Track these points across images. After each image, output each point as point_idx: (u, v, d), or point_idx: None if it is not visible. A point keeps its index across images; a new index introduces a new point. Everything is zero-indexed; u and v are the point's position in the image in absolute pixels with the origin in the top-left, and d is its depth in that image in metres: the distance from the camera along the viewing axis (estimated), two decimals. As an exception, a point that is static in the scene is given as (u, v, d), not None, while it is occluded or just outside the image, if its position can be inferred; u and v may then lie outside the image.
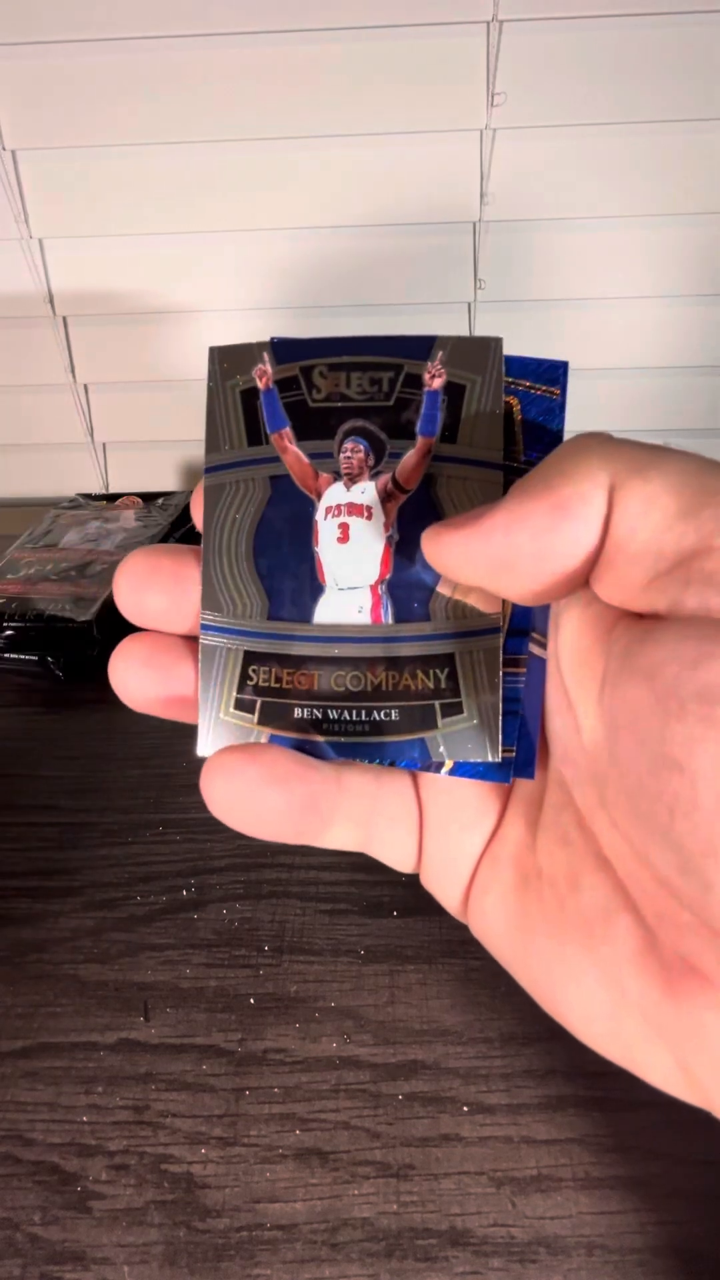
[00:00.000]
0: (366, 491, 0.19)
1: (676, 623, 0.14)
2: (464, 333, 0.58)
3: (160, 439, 0.64)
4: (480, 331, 0.58)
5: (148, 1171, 0.25)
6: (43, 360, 0.60)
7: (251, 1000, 0.29)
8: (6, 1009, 0.29)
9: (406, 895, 0.32)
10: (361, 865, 0.33)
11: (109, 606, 0.46)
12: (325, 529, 0.19)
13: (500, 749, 0.18)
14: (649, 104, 0.49)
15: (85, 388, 0.62)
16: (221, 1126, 0.25)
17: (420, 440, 0.19)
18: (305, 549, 0.19)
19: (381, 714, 0.19)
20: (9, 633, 0.45)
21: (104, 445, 0.65)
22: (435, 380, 0.19)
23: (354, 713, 0.19)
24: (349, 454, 0.19)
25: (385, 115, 0.50)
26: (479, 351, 0.19)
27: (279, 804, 0.18)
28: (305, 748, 0.19)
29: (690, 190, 0.52)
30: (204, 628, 0.19)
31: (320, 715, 0.19)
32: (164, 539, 0.54)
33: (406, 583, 0.19)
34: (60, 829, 0.36)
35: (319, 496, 0.19)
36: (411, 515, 0.19)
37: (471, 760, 0.18)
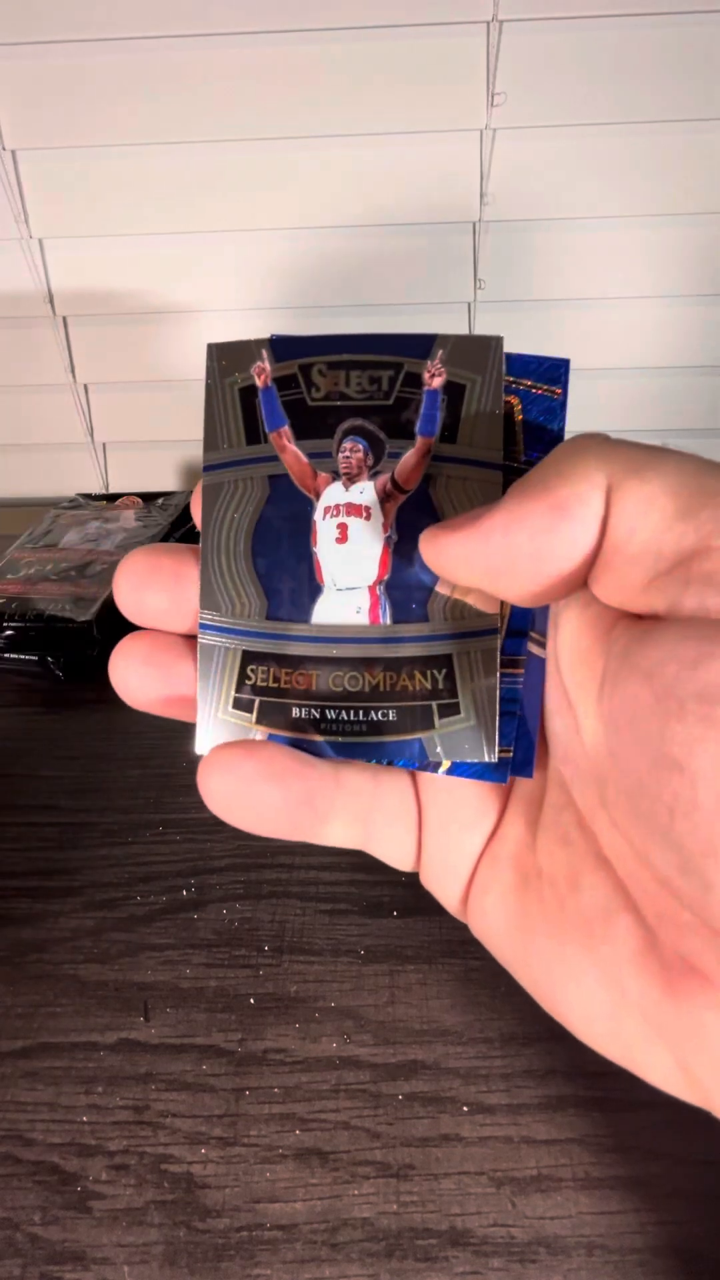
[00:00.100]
0: (365, 491, 0.19)
1: (675, 623, 0.14)
2: (464, 332, 0.58)
3: (160, 439, 0.64)
4: (480, 331, 0.58)
5: (148, 1171, 0.24)
6: (43, 360, 0.60)
7: (251, 1000, 0.29)
8: (6, 1009, 0.29)
9: (406, 895, 0.32)
10: (361, 865, 0.33)
11: (109, 606, 0.46)
12: (324, 529, 0.19)
13: (497, 749, 0.18)
14: (649, 104, 0.49)
15: (85, 388, 0.62)
16: (221, 1126, 0.25)
17: (419, 440, 0.19)
18: (304, 549, 0.19)
19: (379, 714, 0.19)
20: (9, 633, 0.45)
21: (104, 445, 0.65)
22: (435, 379, 0.19)
23: (351, 713, 0.19)
24: (348, 453, 0.19)
25: (385, 115, 0.50)
26: (479, 350, 0.19)
27: (275, 799, 0.18)
28: (304, 746, 0.19)
29: (690, 190, 0.52)
30: (202, 627, 0.19)
31: (318, 715, 0.19)
32: (164, 539, 0.54)
33: (405, 583, 0.19)
34: (60, 829, 0.36)
35: (317, 496, 0.19)
36: (410, 516, 0.19)
37: (468, 760, 0.18)
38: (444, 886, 0.20)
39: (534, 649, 0.19)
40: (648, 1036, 0.16)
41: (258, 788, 0.18)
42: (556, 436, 0.19)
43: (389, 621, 0.19)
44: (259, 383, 0.20)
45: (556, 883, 0.17)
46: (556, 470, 0.16)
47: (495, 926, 0.18)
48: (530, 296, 0.57)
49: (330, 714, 0.19)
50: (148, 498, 0.59)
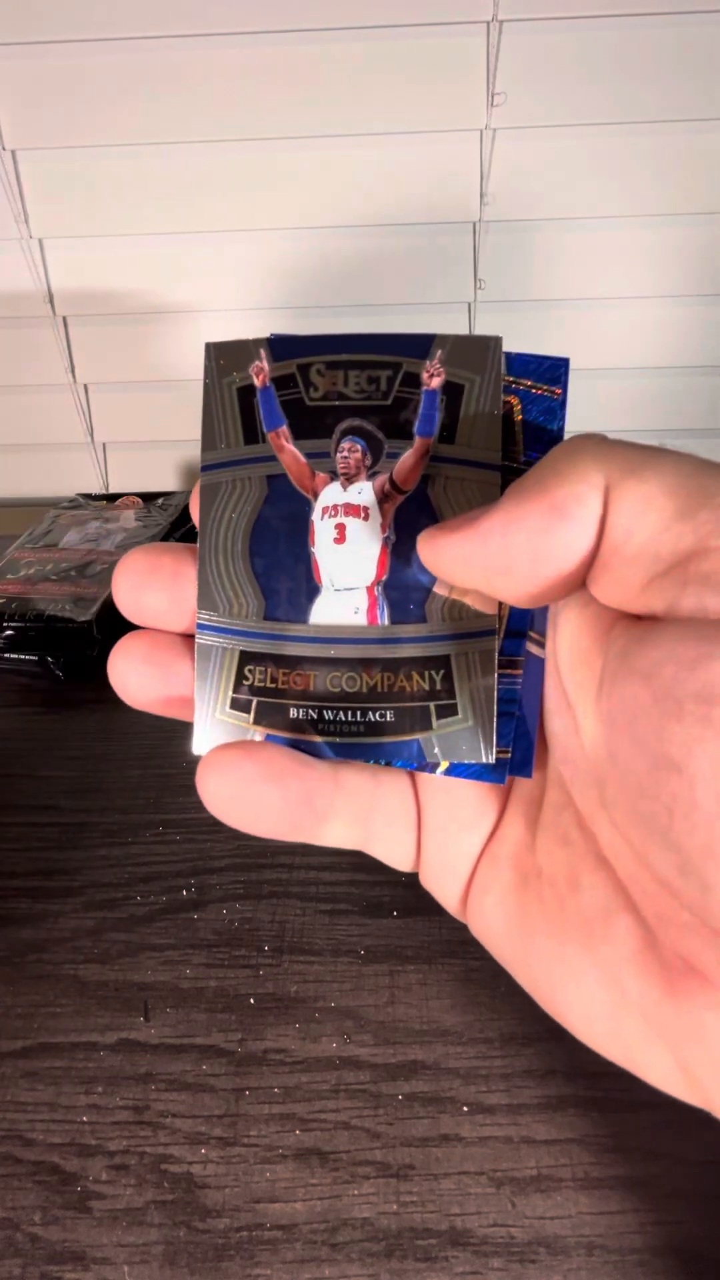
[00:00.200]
0: (364, 492, 0.19)
1: (674, 623, 0.14)
2: (464, 332, 0.58)
3: (160, 439, 0.64)
4: (480, 331, 0.58)
5: (148, 1171, 0.25)
6: (43, 360, 0.60)
7: (251, 1000, 0.29)
8: (6, 1009, 0.29)
9: (406, 895, 0.32)
10: (361, 865, 0.33)
11: (109, 606, 0.46)
12: (322, 529, 0.19)
13: (494, 750, 0.18)
14: (649, 104, 0.49)
15: (85, 388, 0.62)
16: (221, 1126, 0.25)
17: (418, 440, 0.19)
18: (301, 549, 0.19)
19: (377, 715, 0.19)
20: (9, 633, 0.45)
21: (104, 445, 0.65)
22: (434, 379, 0.19)
23: (349, 713, 0.19)
24: (346, 454, 0.19)
25: (385, 115, 0.50)
26: (478, 350, 0.19)
27: (274, 800, 0.18)
28: (302, 746, 0.19)
29: (690, 190, 0.52)
30: (200, 627, 0.19)
31: (316, 716, 0.19)
32: (164, 539, 0.54)
33: (403, 584, 0.19)
34: (60, 829, 0.36)
35: (315, 496, 0.19)
36: (409, 516, 0.19)
37: (466, 761, 0.18)
38: (443, 887, 0.20)
39: (533, 649, 0.19)
40: (647, 1036, 0.16)
41: (257, 788, 0.18)
42: (556, 436, 0.19)
43: (387, 622, 0.19)
44: (257, 382, 0.20)
45: (556, 883, 0.17)
46: (554, 471, 0.16)
47: (495, 927, 0.18)
48: (530, 296, 0.57)
49: (328, 714, 0.19)
50: (148, 498, 0.59)
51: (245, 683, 0.19)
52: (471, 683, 0.18)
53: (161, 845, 0.35)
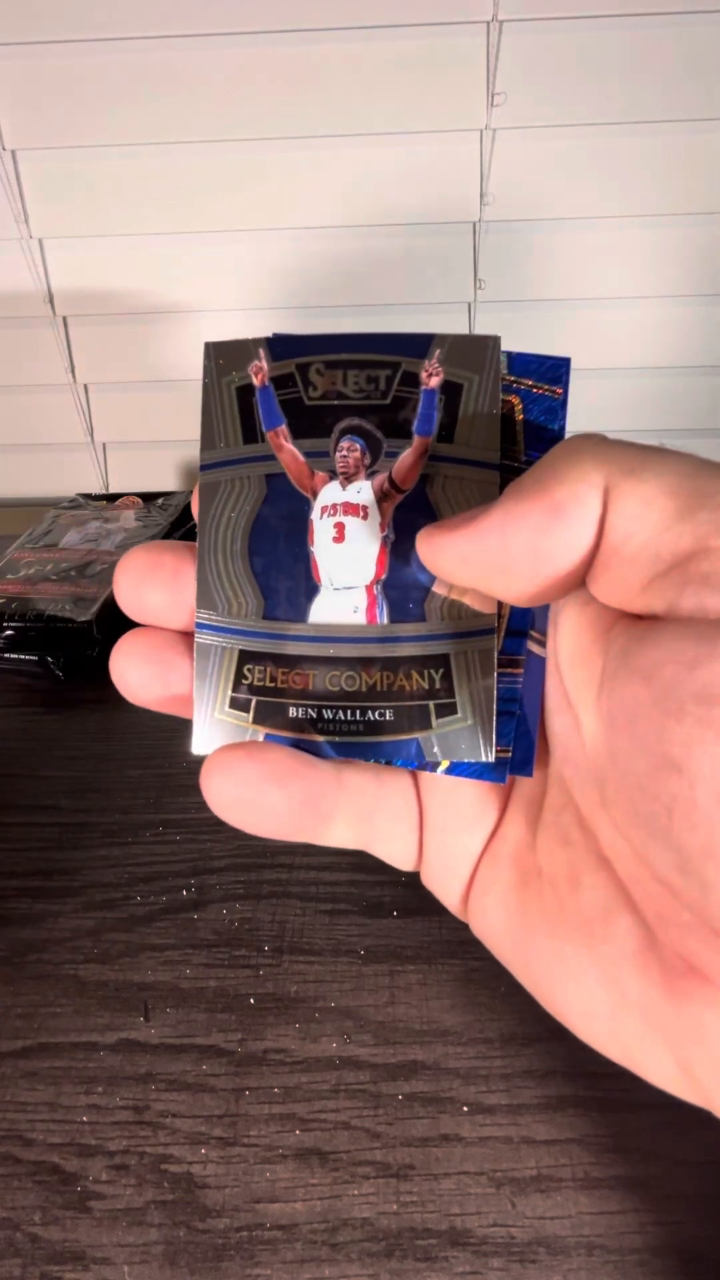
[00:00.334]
0: (363, 491, 0.19)
1: (674, 623, 0.14)
2: (463, 332, 0.58)
3: (160, 439, 0.64)
4: (481, 331, 0.58)
5: (148, 1171, 0.25)
6: (43, 360, 0.60)
7: (251, 1000, 0.29)
8: (6, 1009, 0.29)
9: (406, 895, 0.32)
10: (361, 865, 0.33)
11: (109, 606, 0.46)
12: (321, 528, 0.19)
13: (494, 749, 0.18)
14: (649, 104, 0.49)
15: (85, 388, 0.62)
16: (221, 1126, 0.25)
17: (417, 439, 0.19)
18: (300, 548, 0.19)
19: (376, 714, 0.19)
20: (9, 633, 0.45)
21: (104, 445, 0.65)
22: (432, 379, 0.19)
23: (349, 712, 0.19)
24: (345, 453, 0.19)
25: (385, 115, 0.50)
26: (477, 350, 0.19)
27: (279, 802, 0.18)
28: (304, 746, 0.19)
29: (691, 190, 0.52)
30: (199, 626, 0.19)
31: (315, 715, 0.19)
32: (164, 539, 0.54)
33: (402, 583, 0.19)
34: (60, 829, 0.36)
35: (314, 495, 0.19)
36: (408, 515, 0.19)
37: (465, 760, 0.18)
38: (445, 886, 0.20)
39: (534, 648, 0.19)
40: (648, 1036, 0.16)
41: (261, 790, 0.18)
42: (557, 436, 0.19)
43: (386, 621, 0.19)
44: (256, 382, 0.20)
45: (557, 882, 0.17)
46: (553, 471, 0.16)
47: (496, 926, 0.18)
48: (530, 296, 0.57)
49: (327, 714, 0.19)
50: (148, 498, 0.59)
51: (244, 682, 0.19)
52: (471, 682, 0.18)
53: (161, 845, 0.35)
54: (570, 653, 0.18)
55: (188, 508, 0.52)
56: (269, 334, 0.20)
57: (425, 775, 0.20)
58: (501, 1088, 0.26)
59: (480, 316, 0.58)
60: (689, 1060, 0.15)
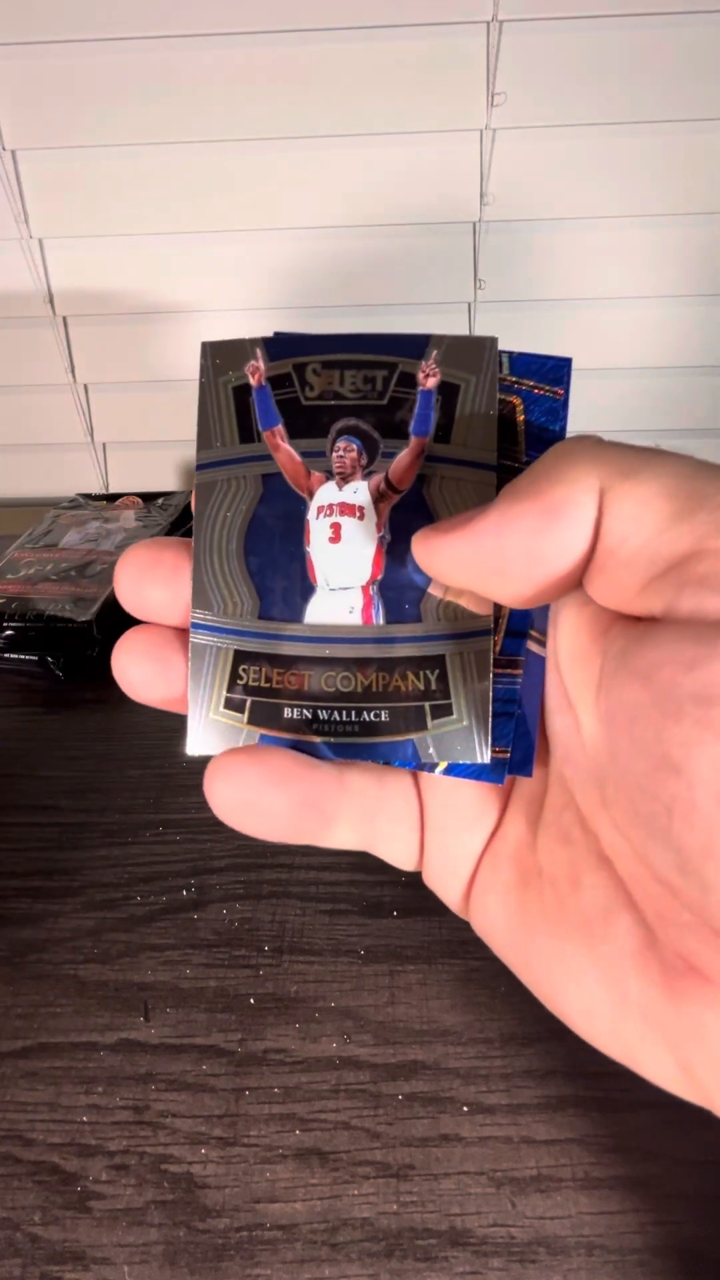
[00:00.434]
0: (359, 491, 0.19)
1: (672, 625, 0.14)
2: (463, 333, 0.58)
3: (160, 439, 0.64)
4: (480, 332, 0.58)
5: (148, 1171, 0.25)
6: (43, 360, 0.60)
7: (251, 1000, 0.29)
8: (6, 1009, 0.29)
9: (406, 895, 0.32)
10: (361, 865, 0.33)
11: (109, 606, 0.46)
12: (317, 529, 0.19)
13: (490, 751, 0.18)
14: (649, 104, 0.49)
15: (85, 388, 0.62)
16: (221, 1126, 0.25)
17: (413, 440, 0.19)
18: (297, 548, 0.19)
19: (371, 715, 0.19)
20: (9, 633, 0.45)
21: (104, 445, 0.65)
22: (429, 379, 0.19)
23: (344, 713, 0.19)
24: (341, 453, 0.19)
25: (385, 115, 0.50)
26: (474, 351, 0.19)
27: (281, 805, 0.18)
28: (303, 747, 0.19)
29: (691, 190, 0.52)
30: (194, 626, 0.19)
31: (310, 715, 0.19)
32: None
33: (398, 584, 0.19)
34: (60, 829, 0.36)
35: (311, 496, 0.19)
36: (404, 516, 0.19)
37: (461, 761, 0.18)
38: (446, 886, 0.20)
39: (534, 648, 0.18)
40: (648, 1035, 0.16)
41: (264, 794, 0.18)
42: (558, 437, 0.19)
43: (382, 622, 0.19)
44: (253, 381, 0.20)
45: (557, 882, 0.17)
46: (548, 473, 0.16)
47: (497, 925, 0.18)
48: (530, 296, 0.57)
49: (322, 714, 0.19)
50: (148, 498, 0.59)
51: (240, 682, 0.19)
52: (466, 683, 0.18)
53: (161, 845, 0.35)
54: (570, 652, 0.18)
55: (188, 507, 0.52)
56: (267, 334, 0.20)
57: (426, 775, 0.20)
58: (501, 1088, 0.26)
59: (480, 316, 0.58)
60: (689, 1060, 0.15)
